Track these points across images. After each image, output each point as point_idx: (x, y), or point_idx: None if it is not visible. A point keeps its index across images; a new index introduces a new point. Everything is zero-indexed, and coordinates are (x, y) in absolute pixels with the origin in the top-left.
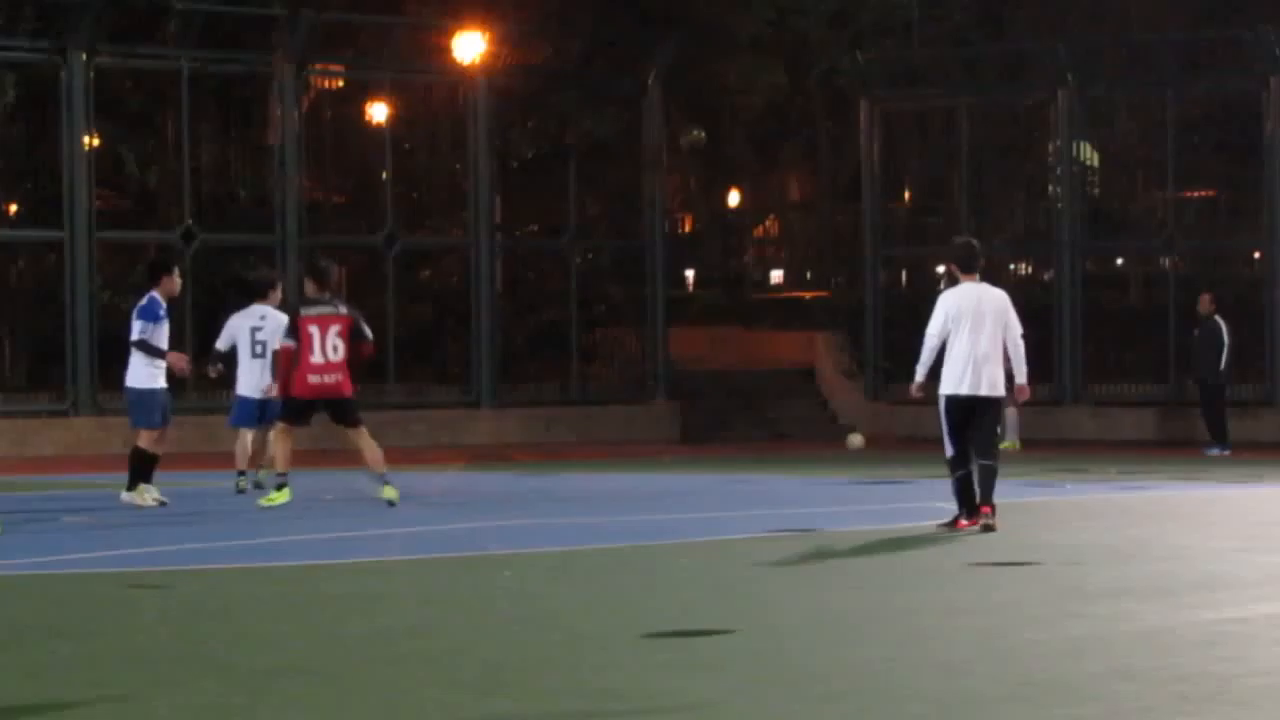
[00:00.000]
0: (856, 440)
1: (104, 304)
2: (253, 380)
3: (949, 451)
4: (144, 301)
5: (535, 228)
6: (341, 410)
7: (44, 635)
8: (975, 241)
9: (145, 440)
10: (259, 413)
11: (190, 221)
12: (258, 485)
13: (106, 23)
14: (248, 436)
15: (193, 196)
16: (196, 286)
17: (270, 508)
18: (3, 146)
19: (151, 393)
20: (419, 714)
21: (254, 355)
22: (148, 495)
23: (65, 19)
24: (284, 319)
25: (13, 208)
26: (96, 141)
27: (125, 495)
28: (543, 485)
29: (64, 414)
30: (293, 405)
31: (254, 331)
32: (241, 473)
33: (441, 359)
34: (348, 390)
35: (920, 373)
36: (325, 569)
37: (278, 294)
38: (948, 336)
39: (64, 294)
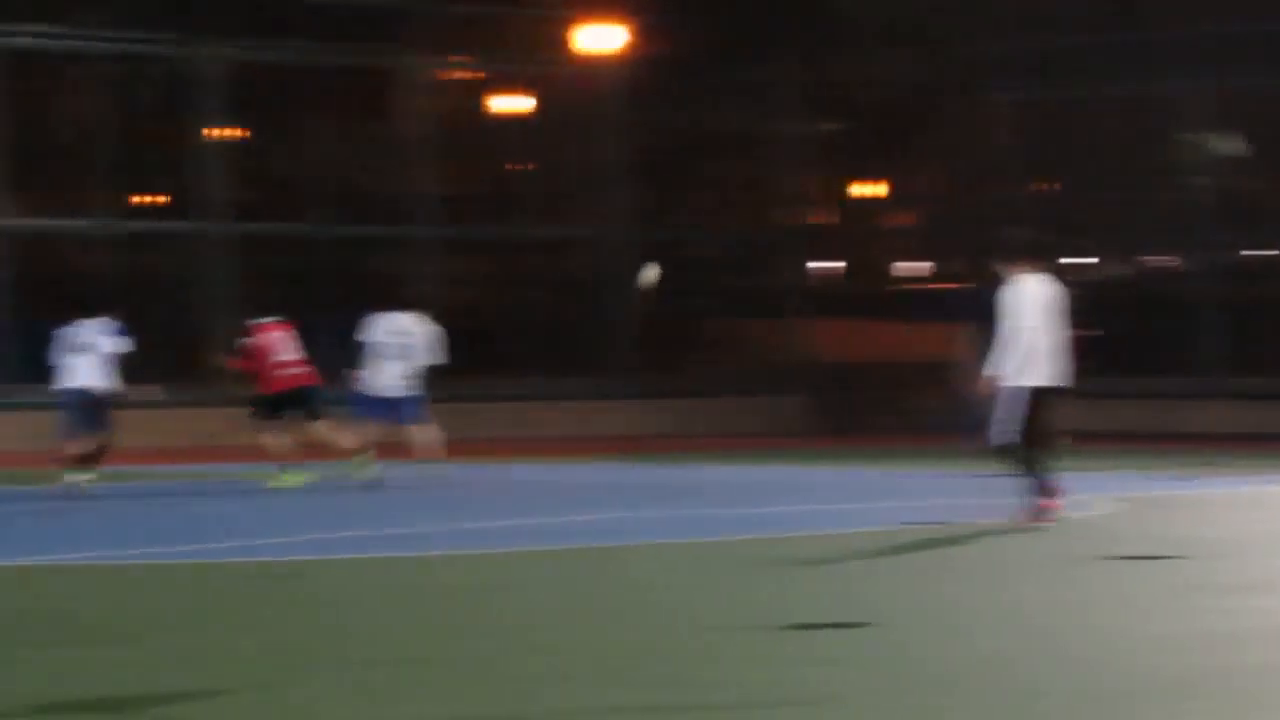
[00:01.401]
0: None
1: (243, 295)
2: (385, 378)
3: (1012, 439)
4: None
5: (670, 218)
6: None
7: (184, 623)
8: (1032, 232)
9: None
10: (388, 409)
11: (322, 214)
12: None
13: (240, 17)
14: (371, 429)
15: (325, 190)
16: (329, 279)
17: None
18: (139, 140)
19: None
20: (542, 704)
21: (389, 356)
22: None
23: (200, 13)
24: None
25: (149, 201)
26: (231, 135)
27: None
28: (674, 477)
29: (200, 404)
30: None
31: (395, 334)
32: (355, 462)
33: (576, 350)
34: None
35: (1005, 365)
36: (454, 559)
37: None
38: (1027, 328)
39: (200, 286)
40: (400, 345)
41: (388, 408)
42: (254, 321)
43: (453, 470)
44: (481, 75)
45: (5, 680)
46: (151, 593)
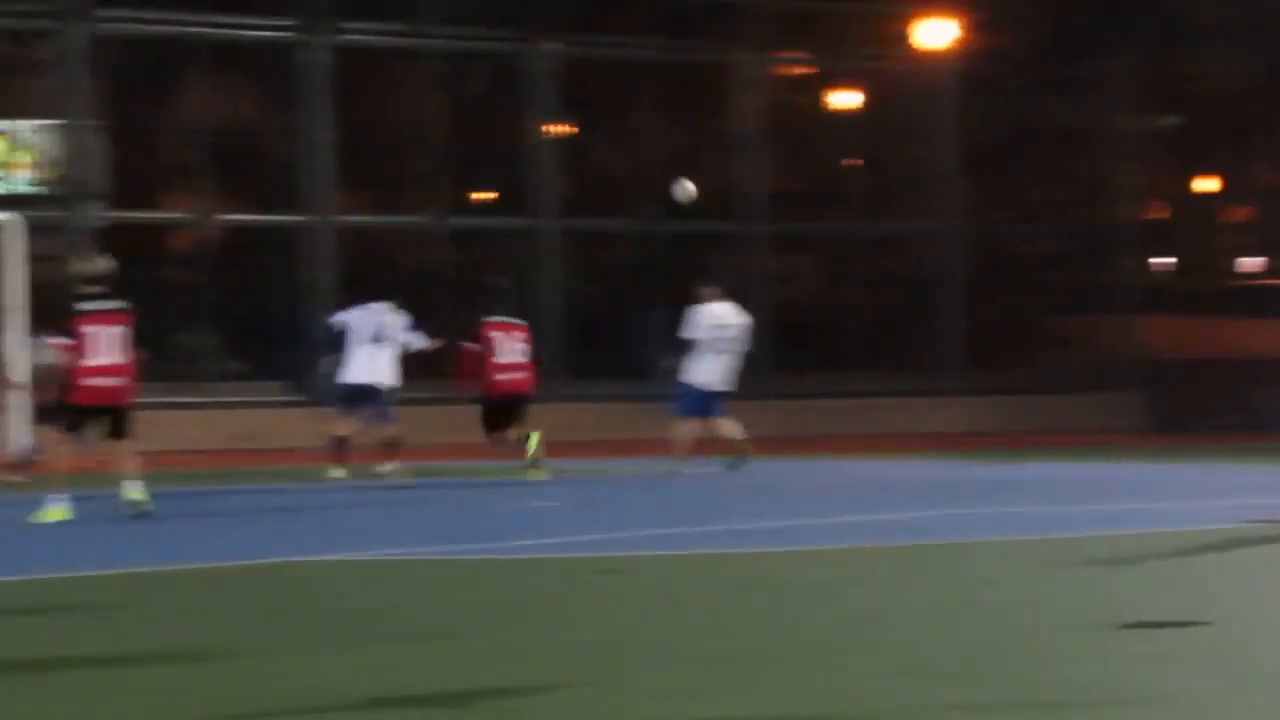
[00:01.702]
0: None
1: (571, 291)
2: (709, 372)
3: None
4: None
5: (1003, 214)
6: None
7: (508, 618)
8: None
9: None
10: (706, 404)
11: (654, 210)
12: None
13: (571, 11)
14: (693, 425)
15: (657, 185)
16: (660, 275)
17: None
18: (470, 135)
19: None
20: (875, 702)
21: (717, 351)
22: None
23: (531, 8)
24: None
25: (481, 196)
26: (562, 131)
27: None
28: (1006, 474)
29: (539, 399)
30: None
31: (719, 328)
32: (677, 458)
33: (906, 347)
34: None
35: None
36: (785, 556)
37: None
38: None
39: (532, 281)
40: (724, 339)
41: (710, 401)
42: (487, 319)
43: (770, 467)
44: (813, 71)
45: (334, 675)
46: (475, 587)
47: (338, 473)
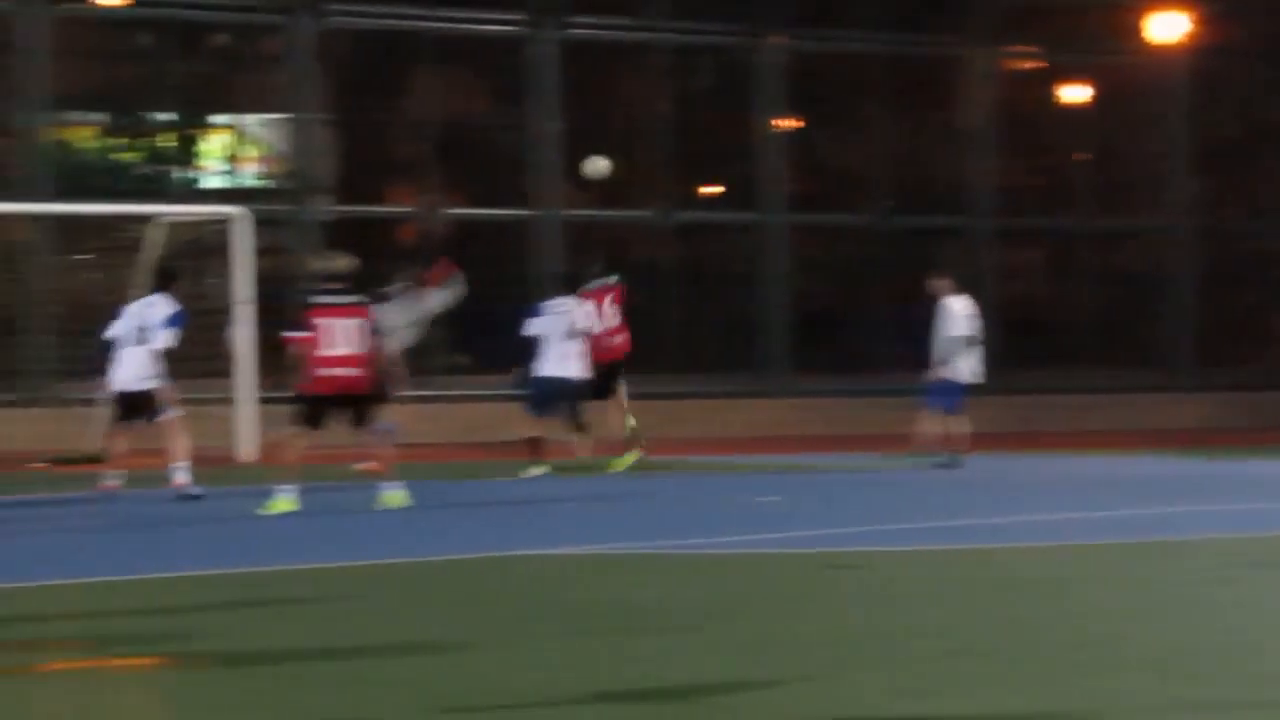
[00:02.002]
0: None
1: (797, 287)
2: (966, 365)
3: None
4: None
5: (1234, 210)
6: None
7: (743, 612)
8: None
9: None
10: (958, 398)
11: (884, 205)
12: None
13: (800, 6)
14: (937, 420)
15: (885, 180)
16: (890, 270)
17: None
18: (696, 130)
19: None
20: (1112, 699)
21: (971, 345)
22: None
23: (760, 2)
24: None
25: (708, 191)
26: (789, 125)
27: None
28: (1239, 470)
29: (757, 395)
30: None
31: (964, 321)
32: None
33: (1136, 343)
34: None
35: None
36: (1015, 552)
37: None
38: None
39: (757, 276)
40: (969, 334)
41: (961, 395)
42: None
43: (997, 462)
44: (1043, 65)
45: (565, 669)
46: (702, 582)
47: (537, 470)
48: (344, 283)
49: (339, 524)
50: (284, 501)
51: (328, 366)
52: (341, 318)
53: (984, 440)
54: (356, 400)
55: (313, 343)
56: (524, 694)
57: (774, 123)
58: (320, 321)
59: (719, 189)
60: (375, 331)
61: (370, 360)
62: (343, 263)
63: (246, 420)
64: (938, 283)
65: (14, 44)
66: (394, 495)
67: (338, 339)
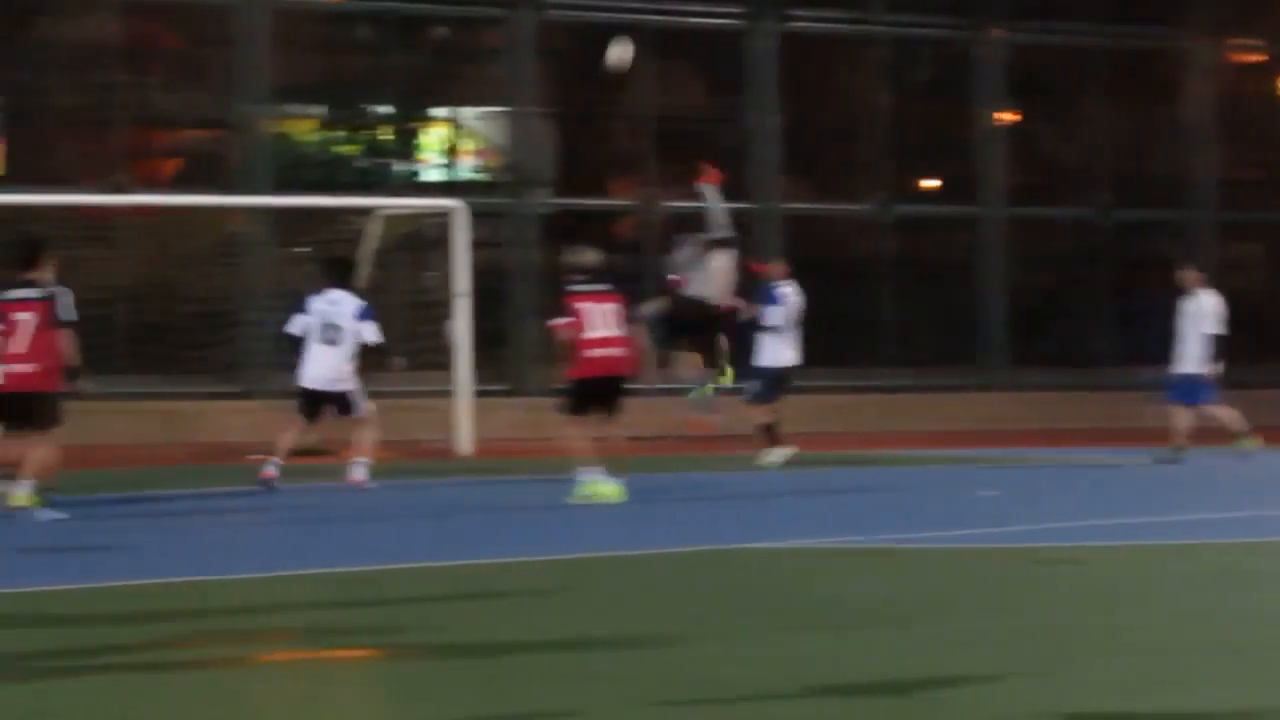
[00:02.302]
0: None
1: (1016, 280)
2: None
3: None
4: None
5: None
6: None
7: (953, 607)
8: None
9: None
10: (1197, 393)
11: (1099, 198)
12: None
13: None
14: (1189, 413)
15: (1106, 173)
16: (1111, 264)
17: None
18: (915, 123)
19: None
20: None
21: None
22: None
23: None
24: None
25: (927, 184)
26: (1009, 118)
27: None
28: None
29: (976, 388)
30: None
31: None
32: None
33: None
34: None
35: None
36: (1233, 548)
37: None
38: None
39: (976, 269)
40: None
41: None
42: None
43: (1207, 458)
44: (1265, 57)
45: (783, 663)
46: (920, 576)
47: (774, 457)
48: (594, 273)
49: (551, 517)
50: (604, 487)
51: (594, 348)
52: (599, 303)
53: (1209, 436)
54: (619, 384)
55: (578, 327)
56: (730, 689)
57: (995, 116)
58: (581, 306)
59: (937, 183)
60: (630, 319)
61: (629, 343)
62: (591, 256)
63: (465, 413)
64: (1186, 275)
65: (234, 37)
66: (604, 488)
67: (598, 323)
